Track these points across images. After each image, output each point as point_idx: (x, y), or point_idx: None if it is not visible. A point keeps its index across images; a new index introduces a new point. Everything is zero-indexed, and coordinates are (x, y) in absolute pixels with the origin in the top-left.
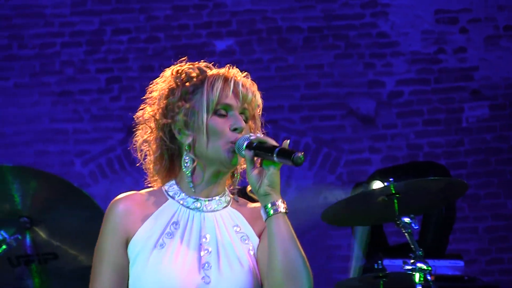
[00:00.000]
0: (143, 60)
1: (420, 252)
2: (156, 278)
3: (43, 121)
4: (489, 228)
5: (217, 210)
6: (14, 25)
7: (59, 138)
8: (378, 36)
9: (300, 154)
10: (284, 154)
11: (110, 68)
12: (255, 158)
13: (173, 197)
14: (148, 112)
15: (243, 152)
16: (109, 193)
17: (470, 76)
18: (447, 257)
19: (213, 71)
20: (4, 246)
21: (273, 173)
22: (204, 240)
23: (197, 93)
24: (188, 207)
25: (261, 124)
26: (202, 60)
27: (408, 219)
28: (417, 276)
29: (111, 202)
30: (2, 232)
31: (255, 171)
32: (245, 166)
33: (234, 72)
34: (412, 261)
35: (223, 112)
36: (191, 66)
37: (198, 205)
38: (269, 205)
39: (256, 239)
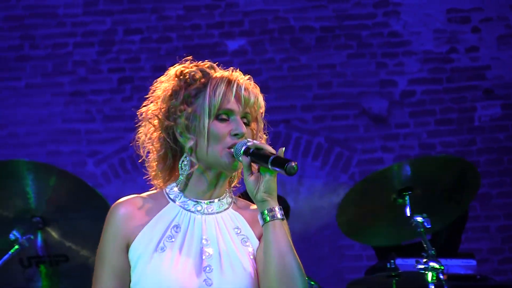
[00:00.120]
0: (155, 60)
1: (432, 251)
2: (156, 282)
3: (56, 121)
4: (502, 228)
5: (218, 212)
6: (26, 25)
7: (71, 138)
8: (390, 35)
9: (294, 164)
10: (278, 162)
11: (122, 68)
12: (252, 164)
13: (174, 200)
14: (151, 111)
15: (240, 158)
16: (122, 193)
17: (482, 75)
18: (460, 256)
19: (216, 74)
20: (16, 246)
21: (269, 179)
22: (205, 242)
23: (199, 97)
24: (189, 210)
25: (264, 125)
26: (206, 60)
27: (421, 218)
28: (429, 275)
29: (112, 206)
30: (15, 232)
31: (252, 177)
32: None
33: (237, 75)
34: (424, 260)
35: (224, 117)
36: (195, 67)
37: (199, 208)
38: (266, 211)
39: (256, 241)
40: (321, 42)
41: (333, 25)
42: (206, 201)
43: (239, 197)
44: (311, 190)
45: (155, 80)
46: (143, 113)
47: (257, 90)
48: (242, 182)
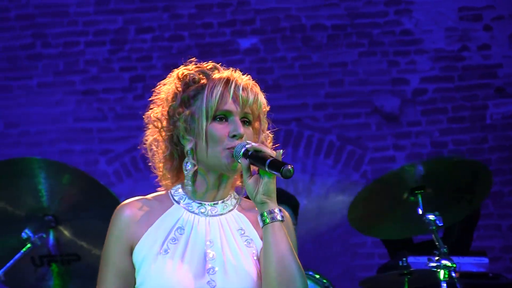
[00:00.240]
0: (167, 58)
1: (444, 249)
2: (160, 284)
3: (68, 120)
4: None
5: (222, 214)
6: (38, 24)
7: (83, 137)
8: (402, 33)
9: (290, 167)
10: (275, 165)
11: (134, 67)
12: (251, 166)
13: (178, 202)
14: (155, 114)
15: (239, 160)
16: (134, 192)
17: (494, 73)
18: (472, 254)
19: (215, 75)
20: (28, 245)
21: (268, 181)
22: (209, 244)
23: (197, 98)
24: (193, 212)
25: (269, 124)
26: (210, 61)
27: (433, 216)
28: (441, 273)
29: (117, 208)
30: (27, 231)
31: (251, 179)
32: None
33: (235, 76)
34: (436, 258)
35: (222, 118)
36: (196, 69)
37: (203, 209)
38: (266, 213)
39: (260, 242)
40: (332, 40)
41: (344, 23)
42: (210, 203)
43: (246, 197)
44: (323, 188)
45: (159, 83)
46: (148, 116)
47: (257, 89)
48: None
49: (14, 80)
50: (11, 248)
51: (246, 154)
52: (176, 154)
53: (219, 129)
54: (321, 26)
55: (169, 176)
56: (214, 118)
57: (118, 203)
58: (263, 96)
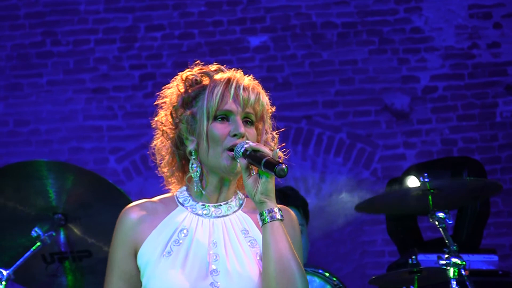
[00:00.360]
0: (177, 56)
1: (454, 247)
2: (163, 286)
3: (77, 118)
4: None
5: (227, 215)
6: (48, 22)
7: (93, 135)
8: (412, 31)
9: (284, 166)
10: (269, 165)
11: (144, 65)
12: (250, 166)
13: (182, 204)
14: (160, 118)
15: (238, 159)
16: (144, 190)
17: (504, 71)
18: (481, 252)
19: (216, 76)
20: (38, 243)
21: (266, 181)
22: (212, 245)
23: (199, 99)
24: (197, 214)
25: (273, 124)
26: (215, 63)
27: (443, 214)
28: (451, 271)
29: (122, 211)
30: (37, 229)
31: (251, 179)
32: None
33: (237, 76)
34: (446, 256)
35: (224, 118)
36: (199, 71)
37: (207, 211)
38: (265, 212)
39: None
40: (343, 38)
41: (355, 21)
42: (213, 205)
43: None
44: (333, 186)
45: (164, 87)
46: (155, 122)
47: (258, 88)
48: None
49: (24, 78)
50: (22, 247)
51: (244, 154)
52: (179, 157)
53: (220, 128)
54: (331, 24)
55: (173, 178)
56: (215, 118)
57: (128, 200)
58: (265, 96)
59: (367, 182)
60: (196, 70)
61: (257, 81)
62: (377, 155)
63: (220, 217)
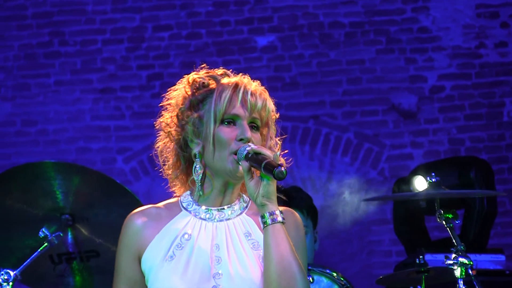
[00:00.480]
0: (184, 56)
1: (461, 247)
2: None
3: (85, 118)
4: None
5: (230, 219)
6: (55, 22)
7: (100, 135)
8: (419, 31)
9: (283, 169)
10: (268, 168)
11: (151, 65)
12: (252, 169)
13: (186, 208)
14: (165, 119)
15: (240, 162)
16: (151, 190)
17: (511, 71)
18: (489, 252)
19: (224, 80)
20: (45, 244)
21: (267, 184)
22: (215, 249)
23: (206, 102)
24: (200, 218)
25: (277, 130)
26: (221, 67)
27: (450, 214)
28: (458, 271)
29: (127, 217)
30: (44, 230)
31: (252, 182)
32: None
33: (244, 81)
34: (453, 255)
35: (230, 122)
36: (206, 74)
37: (210, 215)
38: (267, 215)
39: None
40: (350, 37)
41: (362, 20)
42: (217, 208)
43: None
44: (340, 186)
45: (169, 89)
46: (159, 123)
47: (265, 94)
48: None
49: (31, 78)
50: (29, 248)
51: (247, 157)
52: (184, 160)
53: (227, 132)
54: (338, 23)
55: (177, 182)
56: (222, 122)
57: (135, 200)
58: (272, 103)
59: (374, 181)
60: (203, 73)
61: (263, 87)
62: (385, 155)
63: (223, 220)
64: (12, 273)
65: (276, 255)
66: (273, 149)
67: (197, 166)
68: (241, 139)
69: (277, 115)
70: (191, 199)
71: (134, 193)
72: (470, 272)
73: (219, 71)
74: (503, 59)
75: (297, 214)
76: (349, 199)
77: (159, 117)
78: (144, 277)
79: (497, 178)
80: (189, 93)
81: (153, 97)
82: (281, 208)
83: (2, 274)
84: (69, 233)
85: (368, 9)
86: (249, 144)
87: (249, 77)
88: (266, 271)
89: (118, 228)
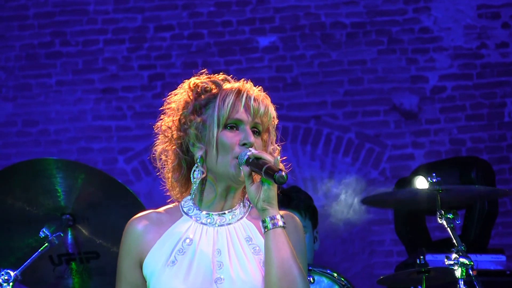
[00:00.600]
0: (186, 56)
1: (462, 247)
2: None
3: (86, 118)
4: None
5: (231, 223)
6: (57, 22)
7: (102, 135)
8: (421, 31)
9: (283, 173)
10: (269, 172)
11: (153, 65)
12: (253, 174)
13: (187, 213)
14: (166, 123)
15: (241, 167)
16: (152, 190)
17: None
18: (489, 252)
19: (227, 85)
20: (46, 244)
21: (268, 188)
22: (216, 254)
23: (209, 107)
24: (201, 223)
25: (277, 136)
26: (221, 73)
27: (451, 215)
28: (459, 271)
29: (128, 222)
30: (45, 230)
31: (253, 186)
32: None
33: (247, 86)
34: (454, 256)
35: (233, 126)
36: (207, 79)
37: (211, 220)
38: (268, 219)
39: None
40: (352, 38)
41: (364, 21)
42: (218, 213)
43: None
44: (341, 186)
45: (169, 93)
46: (159, 126)
47: (267, 100)
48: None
49: (33, 79)
50: (29, 247)
51: (247, 161)
52: (185, 164)
53: (230, 137)
54: (340, 24)
55: (177, 186)
56: (225, 126)
57: (136, 200)
58: (273, 108)
59: (375, 182)
60: (204, 78)
61: (265, 93)
62: (386, 155)
63: (224, 225)
64: (12, 274)
65: (277, 259)
66: (273, 154)
67: (196, 170)
68: (244, 144)
69: (277, 121)
70: (192, 204)
71: (136, 193)
72: (471, 272)
73: (220, 76)
74: (504, 59)
75: (297, 218)
76: (350, 199)
77: (159, 120)
78: (146, 282)
79: (498, 179)
80: (192, 97)
81: (154, 98)
82: (281, 212)
83: (3, 275)
84: (69, 234)
85: (370, 9)
86: (250, 149)
87: (251, 83)
88: (267, 275)
89: (119, 229)
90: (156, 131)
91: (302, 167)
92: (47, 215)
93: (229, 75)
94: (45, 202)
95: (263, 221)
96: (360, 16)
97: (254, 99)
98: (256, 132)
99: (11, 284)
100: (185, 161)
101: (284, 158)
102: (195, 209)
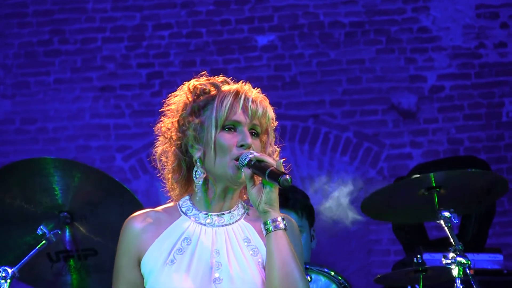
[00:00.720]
0: (185, 55)
1: (459, 246)
2: None
3: (85, 116)
4: None
5: (229, 224)
6: (56, 20)
7: (100, 133)
8: (420, 31)
9: (288, 177)
10: (273, 175)
11: (151, 63)
12: (254, 176)
13: (185, 213)
14: (165, 124)
15: (243, 169)
16: (150, 188)
17: (510, 71)
18: (487, 251)
19: (225, 87)
20: (44, 241)
21: (270, 191)
22: (215, 254)
23: (207, 108)
24: (200, 223)
25: (276, 138)
26: (221, 75)
27: (448, 213)
28: (456, 270)
29: (126, 220)
30: (42, 227)
31: (255, 189)
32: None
33: (245, 88)
34: (451, 255)
35: (231, 128)
36: (207, 81)
37: (209, 220)
38: (269, 222)
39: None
40: (350, 37)
41: (362, 20)
42: (216, 214)
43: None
44: (339, 185)
45: (169, 94)
46: (159, 128)
47: (266, 102)
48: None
49: (31, 76)
50: (27, 245)
51: (249, 164)
52: (184, 165)
53: (228, 138)
54: (339, 23)
55: (177, 187)
56: (223, 128)
57: (134, 198)
58: (272, 110)
59: (373, 181)
60: (203, 80)
61: (264, 95)
62: (384, 154)
63: (222, 226)
64: (10, 270)
65: (279, 261)
66: (272, 156)
67: (198, 170)
68: (242, 145)
69: (276, 123)
70: (191, 204)
71: (133, 192)
72: (468, 271)
73: (219, 78)
74: (503, 59)
75: (292, 220)
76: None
77: (158, 122)
78: (143, 280)
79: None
80: (191, 99)
81: (153, 96)
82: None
83: (0, 272)
84: (67, 231)
85: (369, 8)
86: (251, 151)
87: (250, 85)
88: (269, 277)
89: (116, 226)
90: (156, 132)
91: (300, 166)
92: (45, 213)
93: (227, 74)
94: (43, 200)
95: (265, 223)
96: (359, 15)
97: (252, 101)
98: (255, 133)
99: (8, 281)
100: (185, 162)
101: (284, 159)
102: (193, 209)
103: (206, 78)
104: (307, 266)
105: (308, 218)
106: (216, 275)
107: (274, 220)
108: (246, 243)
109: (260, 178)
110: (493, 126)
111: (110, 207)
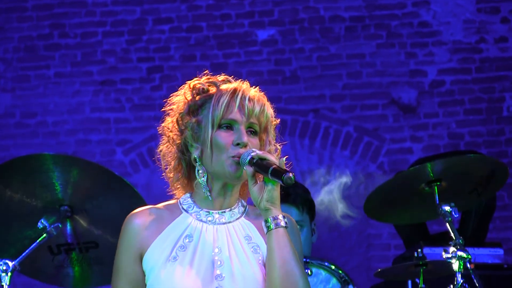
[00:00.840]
0: (185, 49)
1: (460, 241)
2: None
3: (85, 110)
4: None
5: (230, 222)
6: (56, 14)
7: (100, 127)
8: (420, 25)
9: (291, 175)
10: (277, 173)
11: (151, 58)
12: (256, 174)
13: (186, 211)
14: (167, 124)
15: (245, 167)
16: (150, 182)
17: (511, 66)
18: (487, 246)
19: (223, 86)
20: (44, 235)
21: (272, 189)
22: (216, 251)
23: (205, 107)
24: (201, 220)
25: (276, 136)
26: (223, 73)
27: (449, 208)
28: (456, 264)
29: (127, 217)
30: (43, 220)
31: (256, 187)
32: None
33: (243, 86)
34: (452, 249)
35: (228, 126)
36: (207, 80)
37: (211, 218)
38: (270, 219)
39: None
40: (350, 32)
41: (362, 14)
42: (217, 211)
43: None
44: (339, 179)
45: (172, 94)
46: (162, 127)
47: (264, 100)
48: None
49: (31, 70)
50: (28, 239)
51: (251, 162)
52: (184, 163)
53: (224, 137)
54: (339, 17)
55: (178, 185)
56: (220, 127)
57: (134, 192)
58: (270, 108)
59: (374, 175)
60: (204, 79)
61: (262, 93)
62: (384, 149)
63: (223, 223)
64: (11, 264)
65: (280, 259)
66: (272, 154)
67: (199, 169)
68: (237, 144)
69: (277, 121)
70: (192, 202)
71: (133, 185)
72: (468, 265)
73: (221, 77)
74: (503, 54)
75: (292, 218)
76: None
77: (161, 121)
78: (145, 276)
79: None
80: (189, 98)
81: (153, 90)
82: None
83: (1, 265)
84: (68, 224)
85: (369, 3)
86: (253, 149)
87: (249, 83)
88: (269, 274)
89: (117, 219)
90: (160, 132)
91: (300, 161)
92: (46, 207)
93: (227, 68)
94: (43, 195)
95: (266, 221)
96: (359, 10)
97: (249, 99)
98: (252, 132)
99: (9, 274)
100: (185, 161)
101: (286, 156)
102: (195, 206)
103: (207, 77)
104: (307, 260)
105: (308, 212)
106: (218, 272)
107: (275, 218)
108: (247, 241)
109: (262, 176)
110: (493, 120)
111: (110, 201)
